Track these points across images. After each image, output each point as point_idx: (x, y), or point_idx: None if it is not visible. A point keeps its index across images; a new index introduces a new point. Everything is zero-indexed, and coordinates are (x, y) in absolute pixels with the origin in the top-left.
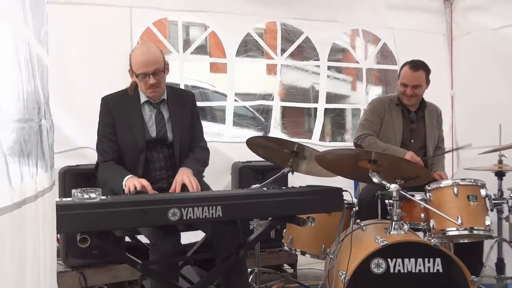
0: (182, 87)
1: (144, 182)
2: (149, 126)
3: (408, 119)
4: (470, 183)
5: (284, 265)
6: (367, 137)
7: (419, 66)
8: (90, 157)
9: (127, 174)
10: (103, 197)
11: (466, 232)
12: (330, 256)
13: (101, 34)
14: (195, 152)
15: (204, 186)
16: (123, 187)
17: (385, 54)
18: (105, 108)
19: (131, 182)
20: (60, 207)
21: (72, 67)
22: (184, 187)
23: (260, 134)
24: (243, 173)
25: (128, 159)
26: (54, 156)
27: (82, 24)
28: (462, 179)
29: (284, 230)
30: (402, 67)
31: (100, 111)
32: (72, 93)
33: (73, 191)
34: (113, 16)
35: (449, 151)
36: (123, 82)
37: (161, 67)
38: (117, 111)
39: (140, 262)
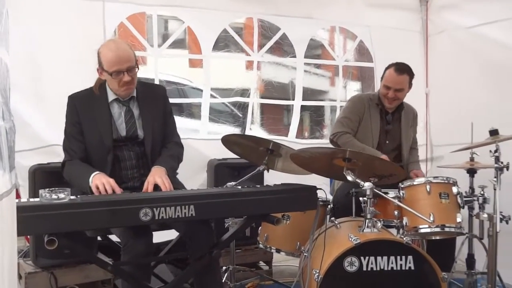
0: (156, 82)
1: (112, 181)
2: (119, 124)
3: (384, 120)
4: (442, 181)
5: (260, 262)
6: (343, 135)
7: (404, 70)
8: (61, 155)
9: (93, 171)
10: (72, 197)
11: (438, 230)
12: (305, 254)
13: (73, 29)
14: (169, 148)
15: (178, 185)
16: (90, 183)
17: (362, 51)
18: (71, 107)
19: (98, 180)
20: (27, 208)
21: (43, 63)
22: (156, 187)
23: (238, 130)
24: (219, 170)
25: (95, 159)
26: (25, 154)
27: (54, 19)
28: (434, 177)
29: (259, 228)
30: (387, 68)
31: (67, 110)
32: (43, 89)
33: (41, 191)
34: (85, 11)
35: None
36: (95, 78)
37: (133, 63)
38: (83, 110)
39: (111, 263)
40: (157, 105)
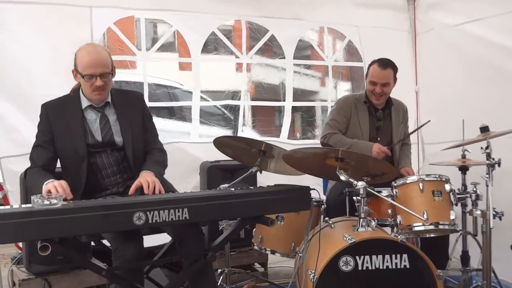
0: (145, 86)
1: (64, 183)
2: (94, 130)
3: (374, 116)
4: (435, 179)
5: (255, 264)
6: (333, 135)
7: (387, 64)
8: None
9: (48, 179)
10: (64, 203)
11: (432, 227)
12: (300, 254)
13: (61, 35)
14: (154, 154)
15: (165, 184)
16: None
17: (351, 51)
18: (43, 116)
19: (50, 184)
20: (19, 214)
21: (31, 69)
22: (141, 190)
23: (229, 132)
24: (212, 173)
25: (69, 167)
26: (14, 159)
27: (41, 25)
28: (427, 175)
29: (254, 229)
30: (371, 65)
31: (39, 119)
32: (32, 96)
33: (33, 197)
34: (72, 16)
35: (412, 132)
36: None
37: (108, 70)
38: (56, 118)
39: (105, 268)
40: (135, 111)
